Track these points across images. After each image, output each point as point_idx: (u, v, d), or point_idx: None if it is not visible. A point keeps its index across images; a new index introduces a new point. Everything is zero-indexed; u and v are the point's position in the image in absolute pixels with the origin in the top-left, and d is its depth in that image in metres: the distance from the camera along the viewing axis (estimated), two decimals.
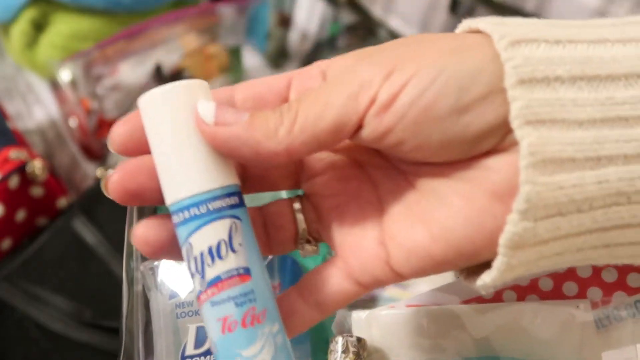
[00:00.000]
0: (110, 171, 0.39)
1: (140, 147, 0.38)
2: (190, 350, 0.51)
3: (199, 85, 0.38)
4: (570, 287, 0.47)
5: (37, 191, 0.78)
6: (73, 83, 0.84)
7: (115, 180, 0.38)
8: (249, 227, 0.38)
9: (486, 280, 0.36)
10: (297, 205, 0.42)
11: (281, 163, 0.38)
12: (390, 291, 0.69)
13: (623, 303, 0.46)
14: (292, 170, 0.42)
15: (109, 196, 0.38)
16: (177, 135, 0.37)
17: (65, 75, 0.84)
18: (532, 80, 0.33)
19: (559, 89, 0.34)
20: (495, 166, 0.35)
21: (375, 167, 0.40)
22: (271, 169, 0.41)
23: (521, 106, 0.33)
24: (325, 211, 0.41)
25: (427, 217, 0.37)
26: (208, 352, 0.51)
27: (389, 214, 0.39)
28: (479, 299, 0.48)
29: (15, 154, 0.76)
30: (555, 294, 0.47)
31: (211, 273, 0.37)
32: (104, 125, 0.86)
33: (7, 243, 0.77)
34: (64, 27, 0.89)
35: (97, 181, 0.82)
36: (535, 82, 0.33)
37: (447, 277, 0.69)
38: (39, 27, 0.90)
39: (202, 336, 0.51)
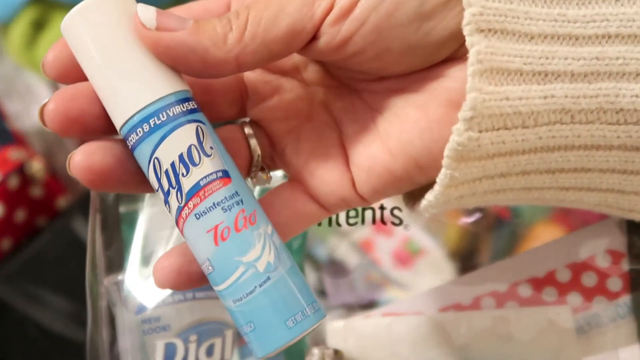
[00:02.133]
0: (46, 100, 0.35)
1: (77, 73, 0.35)
2: None
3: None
4: (549, 293, 0.46)
5: (36, 191, 0.78)
6: None
7: (53, 107, 0.34)
8: (214, 131, 0.35)
9: (430, 198, 0.35)
10: (248, 130, 0.39)
11: (228, 74, 0.35)
12: (390, 292, 0.69)
13: (603, 308, 0.45)
14: (237, 96, 0.39)
15: (47, 127, 0.34)
16: (112, 50, 0.34)
17: None
18: None
19: (513, 0, 0.33)
20: (451, 74, 0.34)
21: (326, 88, 0.39)
22: (215, 94, 0.38)
23: (474, 12, 0.32)
24: (278, 136, 0.39)
25: (383, 133, 0.36)
26: None
27: (345, 134, 0.38)
28: (458, 306, 0.47)
29: (14, 154, 0.76)
30: (535, 300, 0.46)
31: (189, 182, 0.34)
32: None
33: (7, 243, 0.77)
34: None
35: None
36: None
37: (446, 279, 0.69)
38: (38, 27, 0.89)
39: (171, 353, 0.48)
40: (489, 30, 0.32)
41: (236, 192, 0.34)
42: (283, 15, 0.34)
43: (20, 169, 0.75)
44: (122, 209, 0.51)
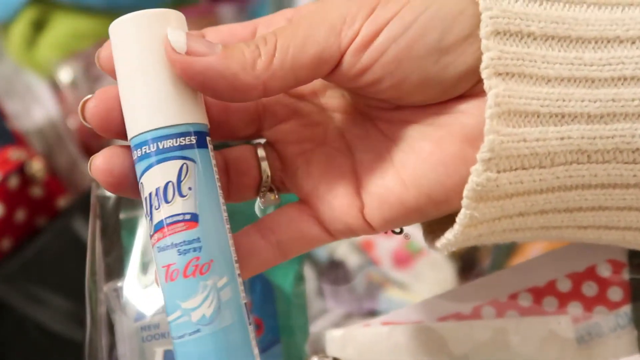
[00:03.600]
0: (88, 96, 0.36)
1: None
2: None
3: (174, 15, 0.35)
4: (550, 302, 0.46)
5: (36, 191, 0.78)
6: (73, 83, 0.83)
7: (94, 104, 0.35)
8: (209, 170, 0.36)
9: (449, 237, 0.36)
10: (261, 152, 0.39)
11: (254, 98, 0.36)
12: (390, 292, 0.68)
13: (604, 318, 0.45)
14: (254, 117, 0.39)
15: (87, 123, 0.36)
16: (140, 65, 0.34)
17: (65, 75, 0.83)
18: (506, 33, 0.34)
19: (530, 44, 0.34)
20: (468, 110, 0.35)
21: (342, 114, 0.39)
22: (233, 114, 0.39)
23: (492, 57, 0.33)
24: (290, 159, 0.39)
25: (398, 163, 0.37)
26: None
27: (359, 161, 0.38)
28: (458, 316, 0.47)
29: (14, 154, 0.75)
30: (535, 310, 0.46)
31: (157, 217, 0.35)
32: None
33: (7, 243, 0.76)
34: (64, 27, 0.89)
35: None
36: (509, 35, 0.34)
37: (447, 281, 0.69)
38: (38, 27, 0.89)
39: None
40: (507, 73, 0.33)
41: (197, 239, 0.35)
42: (311, 43, 0.34)
43: (20, 169, 0.75)
44: (122, 215, 0.51)
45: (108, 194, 0.50)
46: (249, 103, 0.39)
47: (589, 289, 0.45)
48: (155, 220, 0.35)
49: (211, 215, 0.35)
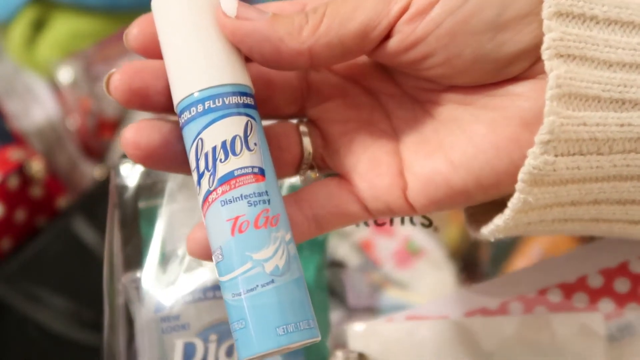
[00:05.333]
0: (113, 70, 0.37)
1: (156, 49, 0.36)
2: None
3: None
4: (580, 298, 0.45)
5: (36, 191, 0.77)
6: (73, 83, 0.83)
7: (119, 77, 0.35)
8: (263, 133, 0.36)
9: (498, 223, 0.35)
10: (303, 128, 0.39)
11: (301, 66, 0.35)
12: (390, 292, 0.68)
13: (636, 315, 0.44)
14: (298, 94, 0.39)
15: (111, 96, 0.36)
16: (192, 29, 0.35)
17: (65, 75, 0.83)
18: (568, 15, 0.33)
19: (592, 27, 0.33)
20: (524, 93, 0.34)
21: (389, 96, 0.39)
22: (276, 90, 0.39)
23: (554, 38, 0.32)
24: (333, 137, 0.39)
25: (447, 145, 0.36)
26: None
27: (404, 143, 0.38)
28: (484, 311, 0.46)
29: (14, 154, 0.75)
30: (565, 306, 0.45)
31: (224, 169, 0.34)
32: (104, 125, 0.85)
33: (7, 243, 0.76)
34: (64, 27, 0.88)
35: (97, 181, 0.81)
36: (572, 17, 0.33)
37: (447, 281, 0.69)
38: (38, 27, 0.89)
39: (190, 352, 0.47)
40: (568, 55, 0.33)
41: (266, 192, 0.34)
42: (360, 10, 0.34)
43: (20, 169, 0.75)
44: (142, 204, 0.50)
45: (127, 183, 0.50)
46: (293, 79, 0.39)
47: (622, 285, 0.45)
48: (221, 172, 0.34)
49: (272, 172, 0.35)
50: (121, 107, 0.84)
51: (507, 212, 0.34)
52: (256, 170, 0.34)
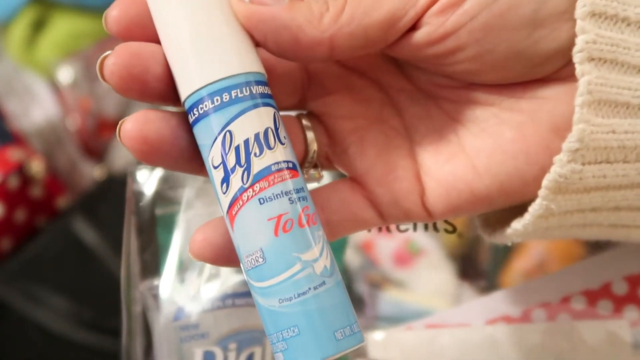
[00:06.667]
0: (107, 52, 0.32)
1: (141, 32, 0.32)
2: None
3: None
4: (605, 306, 0.44)
5: (36, 191, 0.77)
6: (73, 83, 0.82)
7: (114, 60, 0.31)
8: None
9: (517, 227, 0.34)
10: (306, 123, 0.36)
11: (319, 58, 0.32)
12: (390, 292, 0.68)
13: None
14: (298, 85, 0.36)
15: (104, 81, 0.31)
16: (201, 9, 0.31)
17: (65, 75, 0.82)
18: (602, 15, 0.31)
19: (624, 30, 0.32)
20: (554, 96, 0.33)
21: (399, 91, 0.36)
22: (275, 80, 0.35)
23: (587, 40, 0.31)
24: (340, 135, 0.36)
25: (469, 148, 0.34)
26: None
27: (419, 143, 0.36)
28: (506, 319, 0.45)
29: (14, 154, 0.75)
30: (589, 313, 0.44)
31: (260, 164, 0.31)
32: (104, 125, 0.84)
33: (7, 243, 0.75)
34: (64, 27, 0.88)
35: (97, 181, 0.81)
36: (605, 18, 0.31)
37: (447, 281, 0.68)
38: (38, 27, 0.88)
39: None
40: (600, 59, 0.31)
41: (302, 188, 0.32)
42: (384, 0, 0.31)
43: (20, 169, 0.75)
44: (159, 211, 0.48)
45: (144, 189, 0.48)
46: (293, 68, 0.36)
47: None
48: (258, 167, 0.31)
49: (299, 168, 0.32)
50: (121, 107, 0.84)
51: (527, 217, 0.33)
52: (291, 165, 0.32)
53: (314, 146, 0.36)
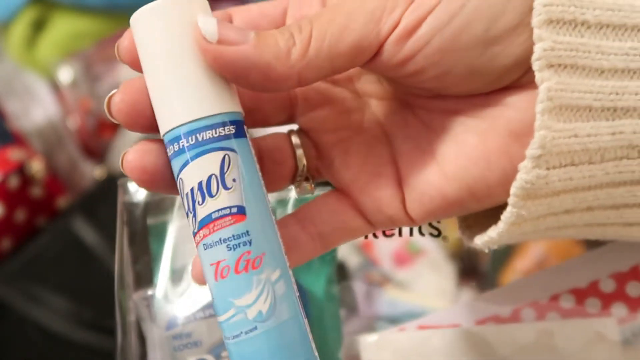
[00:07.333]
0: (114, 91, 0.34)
1: None
2: None
3: (198, 2, 0.33)
4: (593, 303, 0.44)
5: (36, 191, 0.77)
6: (73, 83, 0.83)
7: (120, 99, 0.33)
8: (250, 160, 0.33)
9: (492, 235, 0.34)
10: (295, 140, 0.37)
11: (288, 89, 0.34)
12: (390, 292, 0.68)
13: None
14: (287, 103, 0.37)
15: (113, 119, 0.34)
16: (168, 57, 0.32)
17: (65, 75, 0.83)
18: (559, 21, 0.31)
19: (584, 33, 0.32)
20: (514, 104, 0.33)
21: (379, 100, 0.37)
22: (264, 100, 0.37)
23: (545, 47, 0.31)
24: (326, 147, 0.37)
25: (439, 156, 0.35)
26: None
27: (398, 151, 0.37)
28: (496, 318, 0.45)
29: (14, 154, 0.75)
30: (578, 311, 0.44)
31: (202, 212, 0.32)
32: (104, 125, 0.85)
33: (7, 243, 0.75)
34: (64, 27, 0.88)
35: (97, 181, 0.81)
36: (562, 24, 0.31)
37: (447, 281, 0.68)
38: (38, 27, 0.89)
39: None
40: (559, 65, 0.31)
41: (247, 232, 0.32)
42: (349, 31, 0.32)
43: (20, 169, 0.75)
44: (150, 221, 0.49)
45: (136, 200, 0.48)
46: None
47: (634, 289, 0.44)
48: (200, 216, 0.32)
49: (257, 206, 0.33)
50: None
51: (501, 225, 0.33)
52: (234, 210, 0.32)
53: (303, 161, 0.37)
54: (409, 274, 0.69)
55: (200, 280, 0.35)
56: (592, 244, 0.47)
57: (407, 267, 0.69)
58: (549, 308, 0.45)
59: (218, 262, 0.32)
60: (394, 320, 0.57)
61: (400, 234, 0.44)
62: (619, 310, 0.44)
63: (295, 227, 0.36)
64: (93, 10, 0.87)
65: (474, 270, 0.68)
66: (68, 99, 0.83)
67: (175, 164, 0.33)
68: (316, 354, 0.33)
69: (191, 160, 0.32)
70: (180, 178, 0.33)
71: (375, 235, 0.44)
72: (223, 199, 0.32)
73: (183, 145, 0.32)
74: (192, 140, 0.32)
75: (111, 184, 0.78)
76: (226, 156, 0.32)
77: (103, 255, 0.72)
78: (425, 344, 0.45)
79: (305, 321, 0.33)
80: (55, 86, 0.85)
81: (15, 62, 0.94)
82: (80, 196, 0.80)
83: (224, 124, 0.33)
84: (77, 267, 0.72)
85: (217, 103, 0.33)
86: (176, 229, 0.48)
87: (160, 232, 0.48)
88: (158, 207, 0.49)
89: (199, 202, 0.32)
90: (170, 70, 0.32)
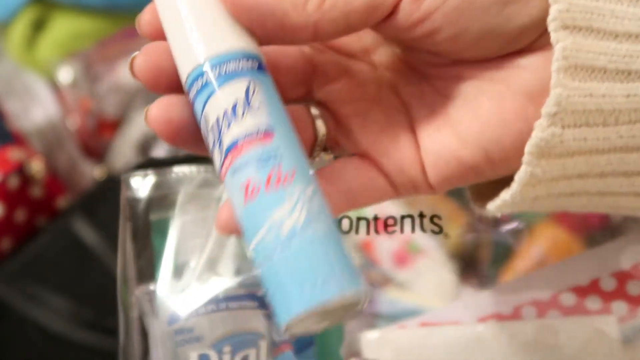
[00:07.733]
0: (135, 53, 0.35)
1: None
2: None
3: None
4: (593, 301, 0.44)
5: (36, 191, 0.77)
6: (73, 83, 0.83)
7: (143, 59, 0.34)
8: (273, 90, 0.33)
9: (505, 197, 0.34)
10: (314, 111, 0.37)
11: (303, 41, 0.34)
12: (390, 292, 0.67)
13: None
14: (304, 77, 0.37)
15: (136, 78, 0.34)
16: (189, 4, 0.33)
17: (65, 75, 0.83)
18: None
19: None
20: (529, 65, 0.34)
21: (395, 71, 0.38)
22: (282, 74, 0.36)
23: (561, 9, 0.32)
24: (345, 118, 0.37)
25: (454, 120, 0.35)
26: None
27: (415, 118, 0.37)
28: (497, 316, 0.45)
29: (14, 154, 0.75)
30: (579, 309, 0.44)
31: (229, 137, 0.32)
32: (104, 125, 0.85)
33: (7, 243, 0.76)
34: (64, 27, 0.88)
35: (97, 181, 0.81)
36: None
37: (447, 281, 0.68)
38: (38, 27, 0.89)
39: None
40: (574, 27, 0.32)
41: (276, 148, 0.32)
42: None
43: (20, 169, 0.75)
44: (153, 216, 0.49)
45: (138, 195, 0.49)
46: (298, 61, 0.37)
47: (634, 287, 0.44)
48: (227, 141, 0.32)
49: (284, 127, 0.33)
50: (121, 107, 0.84)
51: (514, 185, 0.33)
52: (262, 128, 0.32)
53: (322, 130, 0.37)
54: (409, 274, 0.69)
55: (226, 228, 0.34)
56: (593, 245, 0.48)
57: (408, 267, 0.69)
58: (550, 306, 0.45)
59: (248, 181, 0.31)
60: (395, 318, 0.57)
61: (402, 230, 0.44)
62: (619, 308, 0.44)
63: (323, 182, 0.35)
64: (93, 10, 0.87)
65: (475, 270, 0.67)
66: (68, 99, 0.83)
67: (199, 101, 0.33)
68: (358, 271, 0.31)
69: (217, 89, 0.32)
70: (204, 114, 0.33)
71: (376, 231, 0.44)
72: (250, 121, 0.32)
73: (207, 79, 0.32)
74: (216, 72, 0.32)
75: (111, 184, 0.78)
76: (251, 82, 0.33)
77: (103, 255, 0.72)
78: (427, 342, 0.45)
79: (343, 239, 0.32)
80: (55, 86, 0.85)
81: (15, 62, 0.94)
82: (80, 196, 0.80)
83: (247, 57, 0.33)
84: (77, 267, 0.72)
85: (240, 41, 0.33)
86: (179, 225, 0.48)
87: (163, 228, 0.48)
88: (161, 203, 0.49)
89: (225, 128, 0.32)
90: (191, 12, 0.33)
